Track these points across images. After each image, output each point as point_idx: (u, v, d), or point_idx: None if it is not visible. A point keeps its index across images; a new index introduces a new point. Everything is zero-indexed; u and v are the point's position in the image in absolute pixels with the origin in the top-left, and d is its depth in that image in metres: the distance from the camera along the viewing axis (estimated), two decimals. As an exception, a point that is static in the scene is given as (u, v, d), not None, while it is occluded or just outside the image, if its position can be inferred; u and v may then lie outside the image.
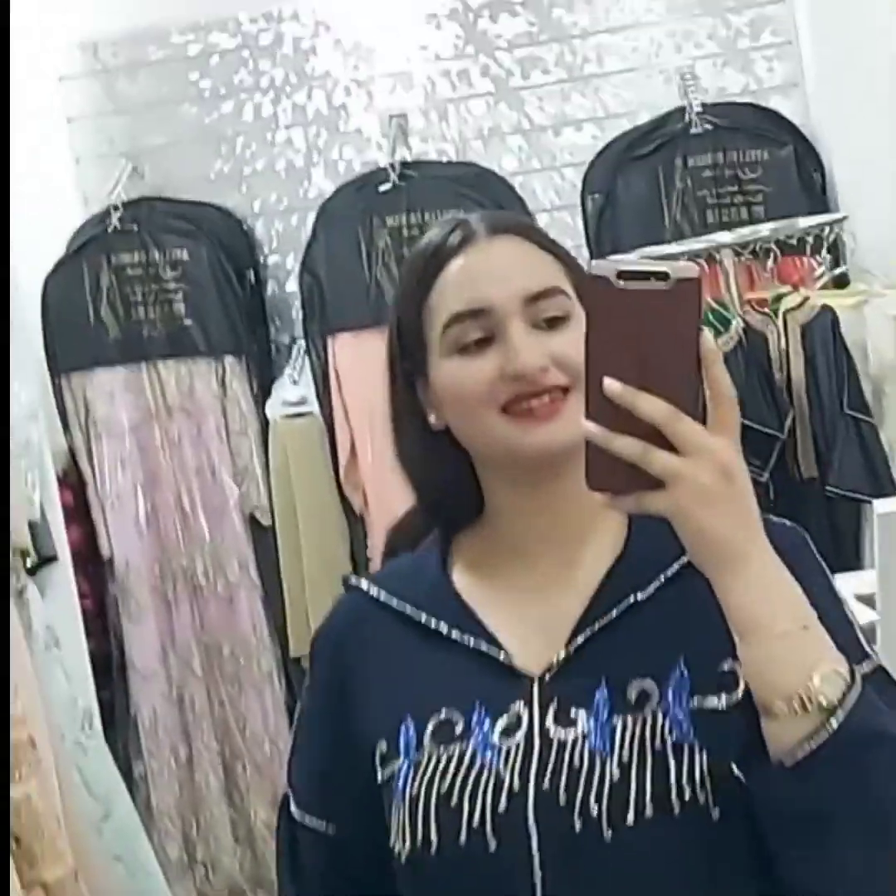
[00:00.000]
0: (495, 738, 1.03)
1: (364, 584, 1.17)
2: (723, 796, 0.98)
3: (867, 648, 1.03)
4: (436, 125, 3.38)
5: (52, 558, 3.10)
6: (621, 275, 0.90)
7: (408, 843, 1.04)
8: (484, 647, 1.08)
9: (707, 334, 0.91)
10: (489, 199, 3.17)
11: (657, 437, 0.90)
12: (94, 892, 2.76)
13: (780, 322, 2.85)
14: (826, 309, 2.81)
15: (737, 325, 2.86)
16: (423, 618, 1.11)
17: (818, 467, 2.78)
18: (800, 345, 2.80)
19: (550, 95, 3.36)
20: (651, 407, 0.89)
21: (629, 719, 1.01)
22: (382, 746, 1.08)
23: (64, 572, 3.15)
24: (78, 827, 2.81)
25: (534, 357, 1.06)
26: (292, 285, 3.38)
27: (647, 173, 3.22)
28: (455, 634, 1.09)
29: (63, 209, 3.34)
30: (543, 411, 1.06)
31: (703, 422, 0.91)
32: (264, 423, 3.29)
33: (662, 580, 1.07)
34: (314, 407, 3.27)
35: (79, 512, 3.33)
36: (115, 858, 3.07)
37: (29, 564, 2.98)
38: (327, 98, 3.40)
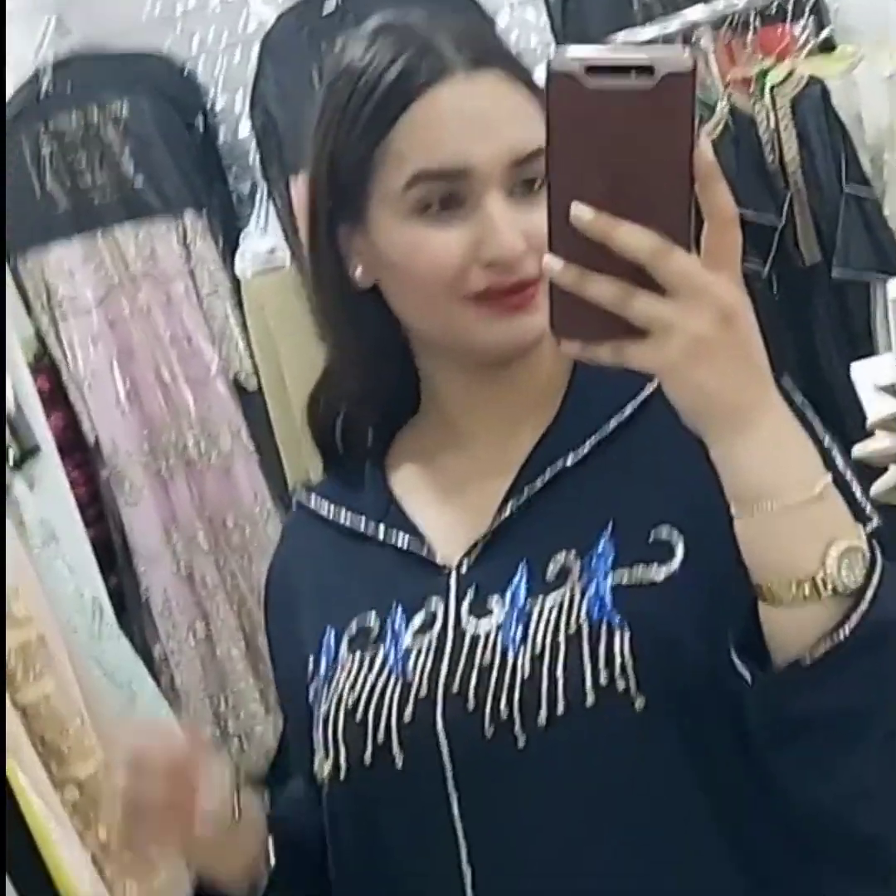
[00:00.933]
0: (408, 638, 0.96)
1: (303, 494, 1.11)
2: (649, 683, 0.88)
3: (868, 509, 0.91)
4: (374, -70, 3.22)
5: (35, 449, 3.08)
6: (592, 70, 0.73)
7: (324, 767, 0.97)
8: (405, 541, 1.01)
9: (704, 143, 0.75)
10: (443, 1, 3.03)
11: (640, 276, 0.75)
12: (129, 782, 2.81)
13: (767, 100, 2.75)
14: (814, 80, 2.71)
15: (722, 108, 2.76)
16: (347, 518, 1.05)
17: (821, 252, 2.71)
18: (790, 122, 2.72)
19: None
20: (632, 239, 0.74)
21: (547, 602, 0.92)
22: (310, 665, 1.02)
23: (50, 462, 3.14)
24: (105, 718, 2.85)
25: (514, 239, 0.91)
26: (245, 128, 3.30)
27: (607, -49, 3.07)
28: (379, 532, 1.02)
29: (-12, 77, 3.22)
30: (517, 301, 0.93)
31: (697, 254, 0.76)
32: (236, 281, 3.23)
33: (596, 441, 0.97)
34: (287, 257, 3.19)
35: (57, 397, 3.30)
36: (147, 744, 3.12)
37: (12, 459, 2.96)
38: (253, -84, 3.25)
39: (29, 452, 3.08)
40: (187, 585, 3.33)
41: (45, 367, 3.30)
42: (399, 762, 0.93)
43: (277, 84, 3.16)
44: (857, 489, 0.91)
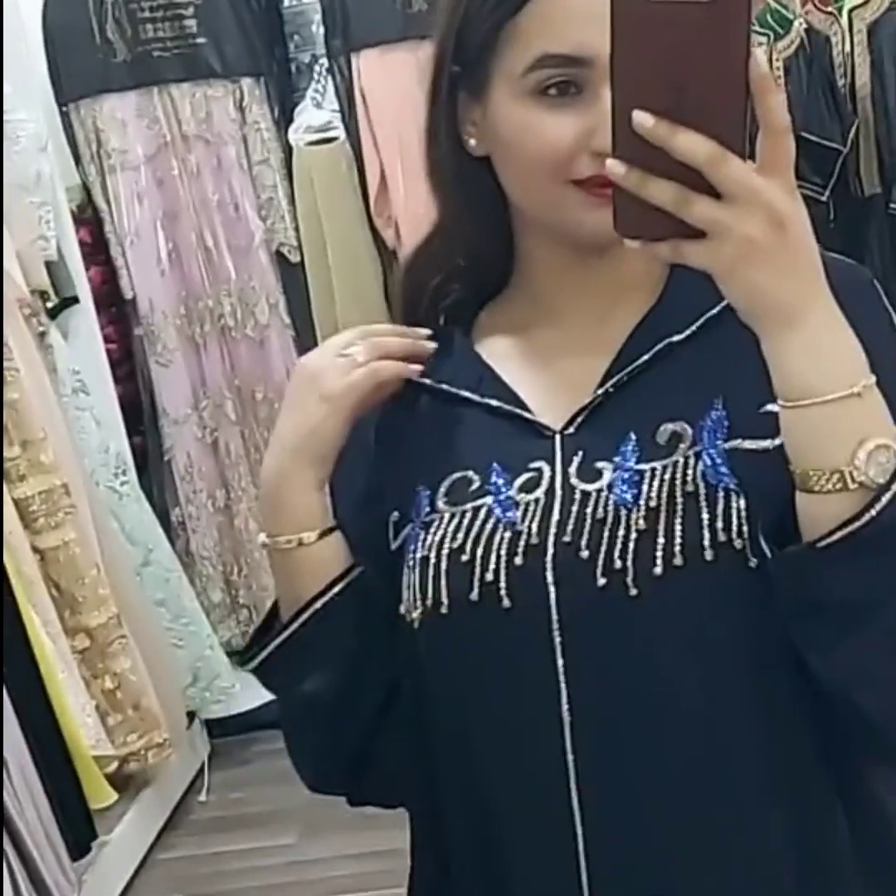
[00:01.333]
0: (514, 493, 1.01)
1: None
2: (762, 545, 0.93)
3: None
4: None
5: (73, 299, 3.14)
6: None
7: (419, 606, 1.01)
8: (503, 404, 1.05)
9: (758, 55, 0.81)
10: None
11: (697, 180, 0.81)
12: (136, 637, 2.92)
13: (844, 22, 2.76)
14: (895, 6, 2.71)
15: (799, 26, 2.77)
16: (437, 381, 1.09)
17: (881, 183, 2.74)
18: (866, 47, 2.72)
19: None
20: (690, 145, 0.80)
21: (659, 465, 0.97)
22: (395, 516, 1.06)
23: (86, 314, 3.20)
24: (118, 573, 2.95)
25: None
26: (312, -6, 3.30)
27: None
28: (473, 396, 1.06)
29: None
30: None
31: (752, 160, 0.81)
32: (288, 152, 3.26)
33: (703, 321, 1.02)
34: (340, 132, 3.23)
35: (97, 251, 3.34)
36: (157, 603, 3.23)
37: (49, 306, 3.02)
38: None
39: (66, 302, 3.14)
40: (211, 453, 3.40)
41: (89, 218, 3.33)
42: (506, 603, 0.98)
43: (349, -45, 3.17)
44: None
